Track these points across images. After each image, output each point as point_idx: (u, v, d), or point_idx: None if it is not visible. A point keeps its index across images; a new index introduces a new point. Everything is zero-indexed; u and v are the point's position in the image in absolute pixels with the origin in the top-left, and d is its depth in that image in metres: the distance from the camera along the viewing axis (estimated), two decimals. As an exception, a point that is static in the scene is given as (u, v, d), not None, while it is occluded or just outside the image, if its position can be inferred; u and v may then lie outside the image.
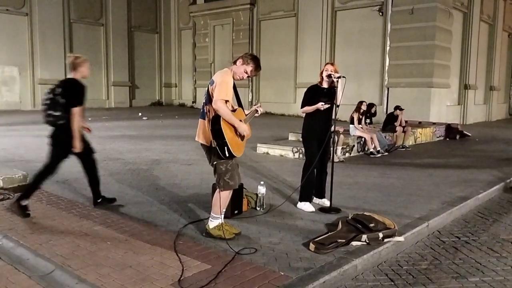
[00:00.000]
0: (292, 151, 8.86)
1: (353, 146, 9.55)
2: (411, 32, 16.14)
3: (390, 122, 11.06)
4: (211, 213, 4.03)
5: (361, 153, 9.69)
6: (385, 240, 4.01)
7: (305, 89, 5.21)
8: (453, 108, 18.16)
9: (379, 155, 9.42)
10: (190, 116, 18.47)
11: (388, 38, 16.90)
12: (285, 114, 20.15)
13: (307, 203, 5.08)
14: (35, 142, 9.98)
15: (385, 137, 10.20)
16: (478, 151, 10.65)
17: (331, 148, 5.36)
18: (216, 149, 3.78)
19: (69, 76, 4.65)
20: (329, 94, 5.01)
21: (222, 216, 4.01)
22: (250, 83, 21.49)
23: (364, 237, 3.96)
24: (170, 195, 5.60)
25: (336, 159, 8.31)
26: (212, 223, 4.00)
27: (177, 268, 3.35)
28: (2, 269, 3.48)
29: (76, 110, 4.50)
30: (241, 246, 3.79)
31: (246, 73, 3.96)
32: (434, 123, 13.83)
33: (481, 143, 12.34)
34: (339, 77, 4.84)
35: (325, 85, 5.06)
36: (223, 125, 3.72)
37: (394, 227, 4.19)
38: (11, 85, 20.65)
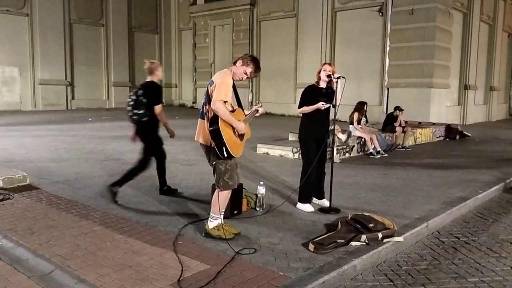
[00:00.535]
0: (292, 151, 8.87)
1: (353, 146, 9.56)
2: (411, 33, 16.14)
3: (389, 123, 11.06)
4: (211, 213, 4.03)
5: (360, 153, 9.70)
6: (385, 240, 4.01)
7: (305, 90, 5.21)
8: (453, 109, 18.15)
9: (378, 155, 9.43)
10: (190, 116, 18.43)
11: (388, 38, 16.89)
12: (285, 114, 20.15)
13: (307, 204, 5.08)
14: (35, 142, 10.00)
15: (385, 137, 10.20)
16: (478, 151, 10.65)
17: (330, 149, 5.36)
18: (215, 149, 3.79)
19: (148, 79, 5.33)
20: (328, 94, 5.01)
21: (222, 216, 4.02)
22: (250, 84, 21.50)
23: (364, 237, 3.96)
24: (170, 195, 5.59)
25: (337, 160, 8.32)
26: (212, 223, 4.01)
27: (177, 268, 3.36)
28: (2, 269, 3.48)
29: (159, 107, 5.20)
30: (240, 246, 3.79)
31: (246, 74, 3.97)
32: (434, 124, 13.82)
33: (481, 143, 12.33)
34: (339, 78, 4.84)
35: (322, 85, 5.06)
36: (221, 125, 3.72)
37: (394, 227, 4.19)
38: (11, 86, 20.62)
